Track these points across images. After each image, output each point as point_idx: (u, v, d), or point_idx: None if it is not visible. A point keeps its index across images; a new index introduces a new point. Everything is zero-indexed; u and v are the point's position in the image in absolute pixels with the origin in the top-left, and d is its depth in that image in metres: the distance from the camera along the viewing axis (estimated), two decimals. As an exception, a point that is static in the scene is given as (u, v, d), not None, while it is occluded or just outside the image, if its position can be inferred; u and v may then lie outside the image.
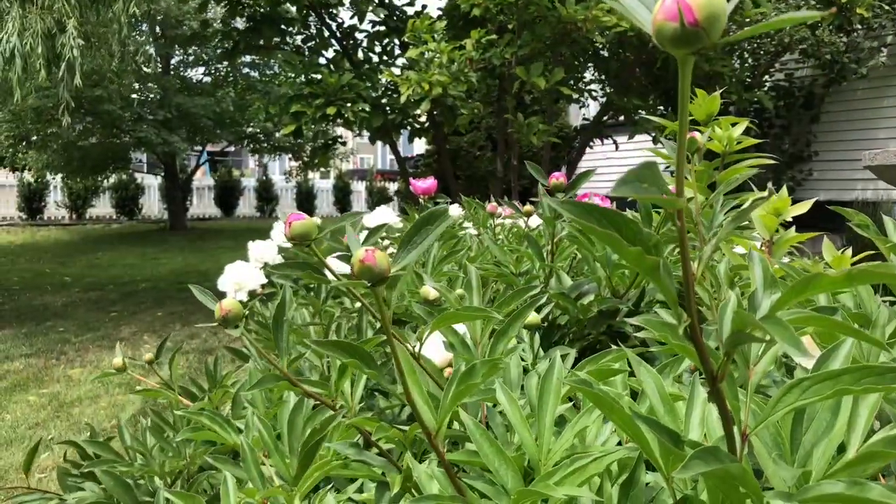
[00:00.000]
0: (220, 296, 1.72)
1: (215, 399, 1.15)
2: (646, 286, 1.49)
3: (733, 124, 1.46)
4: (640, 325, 1.31)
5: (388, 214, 2.40)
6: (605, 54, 5.23)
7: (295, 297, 2.22)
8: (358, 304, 1.51)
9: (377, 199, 15.81)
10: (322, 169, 15.25)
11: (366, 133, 5.76)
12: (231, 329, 0.67)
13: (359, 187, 16.21)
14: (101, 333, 4.87)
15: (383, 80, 4.71)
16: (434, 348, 0.96)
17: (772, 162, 1.42)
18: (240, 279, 1.93)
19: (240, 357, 1.70)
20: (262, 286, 2.12)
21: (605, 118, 5.20)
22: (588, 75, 5.76)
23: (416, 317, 1.40)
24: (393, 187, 16.07)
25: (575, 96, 4.76)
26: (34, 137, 10.67)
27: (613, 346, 1.02)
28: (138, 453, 1.29)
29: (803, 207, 1.26)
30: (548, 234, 1.47)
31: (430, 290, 1.27)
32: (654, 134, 5.05)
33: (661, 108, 5.20)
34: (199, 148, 12.53)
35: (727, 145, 1.47)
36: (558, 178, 1.35)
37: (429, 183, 2.02)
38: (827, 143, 6.03)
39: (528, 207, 1.55)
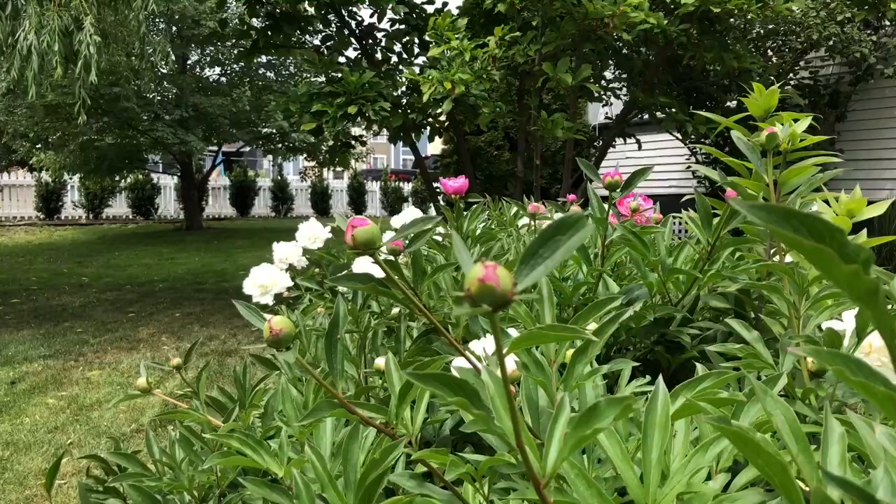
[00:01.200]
0: (243, 298, 1.64)
1: (246, 419, 1.07)
2: (700, 293, 1.41)
3: (795, 120, 1.38)
4: (696, 334, 1.20)
5: (418, 215, 2.32)
6: (627, 52, 5.14)
7: (320, 301, 2.15)
8: (396, 310, 1.44)
9: (392, 199, 15.76)
10: (337, 169, 15.22)
11: (384, 133, 5.68)
12: (282, 352, 0.60)
13: (373, 187, 16.17)
14: (120, 335, 4.84)
15: (404, 79, 4.64)
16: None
17: (836, 160, 1.34)
18: (266, 282, 1.86)
19: (268, 366, 1.63)
20: (288, 289, 2.05)
21: (630, 117, 5.10)
22: (608, 74, 5.66)
23: (457, 325, 1.32)
24: (407, 187, 16.01)
25: (597, 94, 4.67)
26: (52, 138, 10.71)
27: (698, 364, 0.93)
28: (167, 467, 1.23)
29: (880, 208, 1.17)
30: (599, 236, 1.39)
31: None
32: (676, 134, 4.96)
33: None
34: (215, 148, 12.53)
35: (790, 142, 1.39)
36: (613, 175, 1.27)
37: (460, 182, 1.94)
38: (853, 141, 5.90)
39: (575, 208, 1.47)
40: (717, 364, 1.14)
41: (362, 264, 2.03)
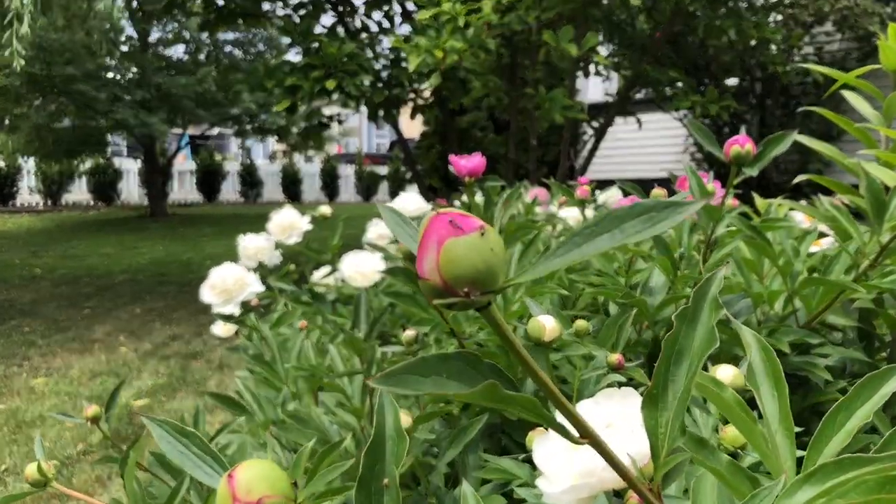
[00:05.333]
0: (207, 315, 1.22)
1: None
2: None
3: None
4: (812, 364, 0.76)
5: (417, 200, 1.92)
6: (624, 25, 4.77)
7: (298, 307, 1.73)
8: (411, 333, 1.04)
9: (367, 183, 15.28)
10: (309, 153, 14.69)
11: (360, 113, 5.25)
12: None
13: (347, 171, 15.65)
14: (72, 334, 4.36)
15: (387, 48, 4.19)
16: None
17: None
18: (229, 286, 1.45)
19: (232, 407, 1.22)
20: (259, 296, 1.63)
21: (634, 92, 4.73)
22: (602, 49, 5.28)
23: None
24: (382, 171, 15.53)
25: (600, 68, 4.28)
26: (6, 121, 10.05)
27: None
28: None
29: None
30: (705, 231, 1.01)
31: (545, 325, 0.80)
32: (675, 113, 4.61)
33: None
34: (180, 130, 11.94)
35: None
36: (743, 143, 0.88)
37: (475, 161, 1.53)
38: (857, 121, 5.59)
39: (583, 191, 1.09)
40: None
41: (354, 264, 1.62)
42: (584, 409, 0.63)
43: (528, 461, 0.93)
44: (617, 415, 0.61)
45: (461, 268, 0.27)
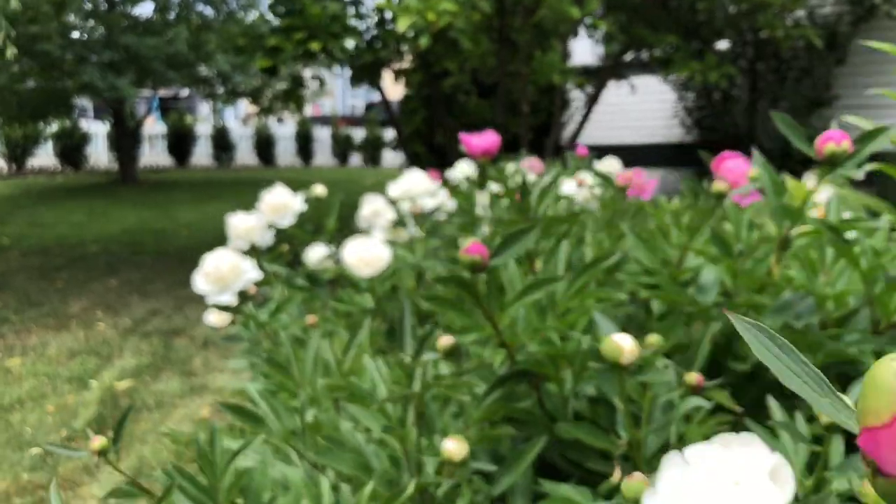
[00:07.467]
0: (186, 262, 1.10)
1: None
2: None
3: None
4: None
5: (422, 180, 1.81)
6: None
7: (296, 293, 1.62)
8: (448, 340, 0.93)
9: (343, 147, 15.00)
10: (282, 115, 14.30)
11: (337, 71, 5.05)
12: None
13: (322, 135, 15.31)
14: (47, 309, 4.19)
15: (371, 12, 4.00)
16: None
17: None
18: (224, 274, 1.33)
19: (242, 417, 1.11)
20: (257, 284, 1.52)
21: (626, 56, 4.59)
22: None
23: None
24: (358, 133, 15.22)
25: (592, 31, 4.14)
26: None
27: None
28: None
29: None
30: (779, 230, 0.91)
31: (623, 346, 0.70)
32: (673, 77, 4.49)
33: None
34: (150, 92, 11.53)
35: None
36: (838, 140, 0.78)
37: (489, 139, 1.42)
38: (851, 87, 5.55)
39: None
40: None
41: (356, 251, 1.49)
42: (700, 462, 0.54)
43: (588, 483, 0.84)
44: (743, 469, 0.51)
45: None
